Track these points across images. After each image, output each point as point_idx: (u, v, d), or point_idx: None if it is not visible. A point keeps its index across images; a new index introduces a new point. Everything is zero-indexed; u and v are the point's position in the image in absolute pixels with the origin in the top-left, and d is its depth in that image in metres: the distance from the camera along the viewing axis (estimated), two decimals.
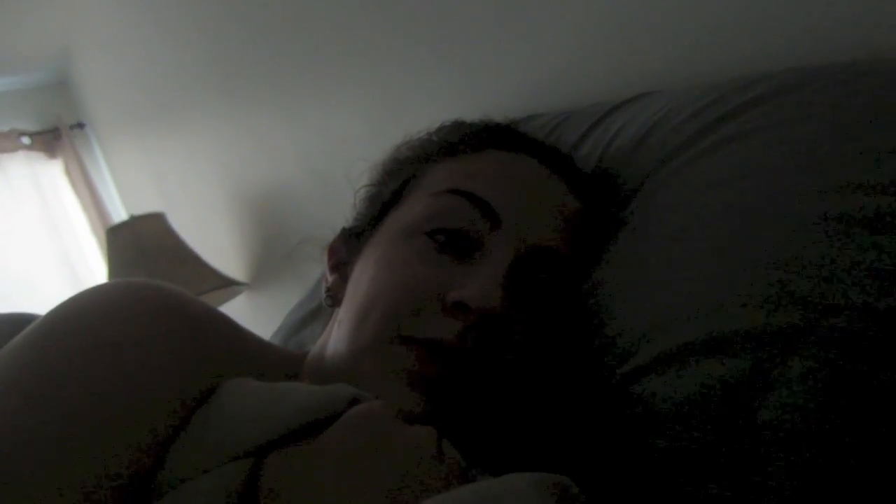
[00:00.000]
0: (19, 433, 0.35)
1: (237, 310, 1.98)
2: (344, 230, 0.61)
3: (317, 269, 0.64)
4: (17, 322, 0.50)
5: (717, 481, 0.33)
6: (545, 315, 0.48)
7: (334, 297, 0.57)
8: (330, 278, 0.59)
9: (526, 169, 0.53)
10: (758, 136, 0.44)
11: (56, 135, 3.14)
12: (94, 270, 3.03)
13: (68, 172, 3.14)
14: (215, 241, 2.05)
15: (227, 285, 1.86)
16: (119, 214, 3.08)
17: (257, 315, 1.92)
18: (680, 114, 0.52)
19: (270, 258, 1.80)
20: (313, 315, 0.88)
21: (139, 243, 1.89)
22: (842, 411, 0.31)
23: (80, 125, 3.22)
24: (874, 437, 0.30)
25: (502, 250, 0.48)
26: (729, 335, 0.36)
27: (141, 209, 2.11)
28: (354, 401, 0.41)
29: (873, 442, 0.30)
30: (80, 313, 0.41)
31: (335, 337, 0.51)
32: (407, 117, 1.05)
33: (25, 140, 3.08)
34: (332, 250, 0.60)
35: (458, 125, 0.61)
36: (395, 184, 0.57)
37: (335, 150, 1.34)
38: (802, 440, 0.31)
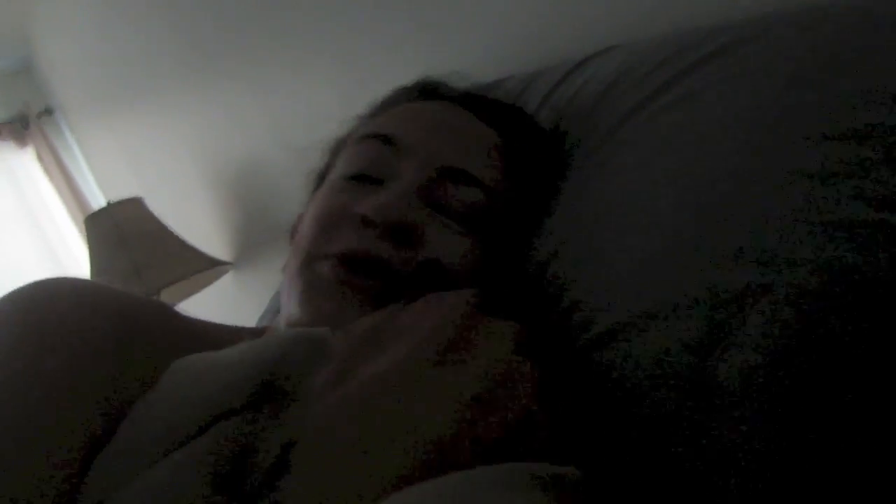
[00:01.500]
0: None
1: (225, 291, 1.97)
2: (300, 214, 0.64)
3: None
4: None
5: (683, 444, 0.33)
6: (484, 234, 0.50)
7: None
8: None
9: (431, 107, 0.56)
10: (714, 91, 0.43)
11: (24, 123, 3.07)
12: (78, 258, 3.00)
13: (41, 160, 3.09)
14: (196, 222, 2.04)
15: (211, 266, 1.85)
16: (97, 200, 3.04)
17: (245, 294, 1.92)
18: (639, 70, 0.51)
19: (253, 235, 1.79)
20: None
21: (119, 230, 1.87)
22: (800, 368, 0.31)
23: (49, 111, 3.16)
24: (832, 393, 0.30)
25: (409, 171, 0.50)
26: (686, 297, 0.36)
27: (119, 193, 2.08)
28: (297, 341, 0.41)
29: (831, 398, 0.30)
30: (6, 317, 0.40)
31: (287, 295, 0.53)
32: (378, 85, 1.04)
33: None
34: (293, 230, 0.63)
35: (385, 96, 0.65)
36: (330, 157, 0.61)
37: (308, 122, 1.32)
38: (761, 397, 0.31)
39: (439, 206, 0.50)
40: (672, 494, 0.34)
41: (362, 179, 0.51)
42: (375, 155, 0.52)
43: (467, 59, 0.89)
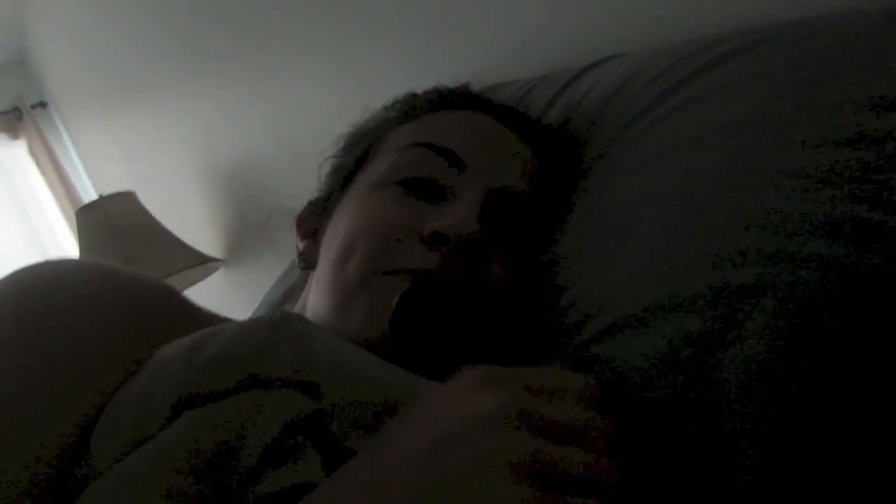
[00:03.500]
0: None
1: (215, 287, 1.96)
2: (311, 201, 0.63)
3: (293, 242, 0.64)
4: None
5: (685, 434, 0.34)
6: (517, 255, 0.50)
7: (308, 259, 0.58)
8: (301, 245, 0.60)
9: (480, 122, 0.56)
10: (716, 96, 0.44)
11: (17, 115, 3.05)
12: (65, 251, 2.98)
13: (33, 153, 3.07)
14: (188, 218, 2.03)
15: (202, 262, 1.84)
16: (88, 194, 3.02)
17: (236, 291, 1.91)
18: (643, 77, 0.52)
19: (245, 233, 1.78)
20: (294, 290, 0.88)
21: (111, 223, 1.86)
22: (800, 365, 0.31)
23: (42, 104, 3.14)
24: (832, 391, 0.31)
25: (471, 190, 0.50)
26: (689, 293, 0.36)
27: (110, 188, 2.07)
28: (284, 323, 0.39)
29: (830, 396, 0.31)
30: (12, 294, 0.40)
31: (315, 294, 0.52)
32: (375, 86, 1.04)
33: None
34: (301, 220, 0.62)
35: (411, 96, 0.64)
36: (358, 151, 0.59)
37: (304, 121, 1.32)
38: (761, 394, 0.32)
39: (489, 226, 0.49)
40: (674, 485, 0.34)
41: (419, 192, 0.50)
42: (434, 168, 0.51)
43: (467, 63, 0.89)
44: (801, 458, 0.31)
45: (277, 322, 0.40)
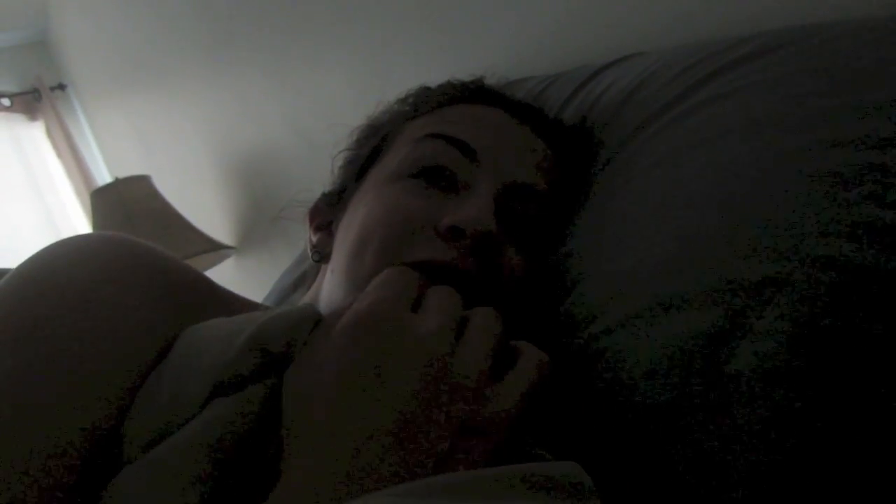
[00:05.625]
0: None
1: (225, 274, 1.98)
2: (324, 193, 0.63)
3: (305, 233, 0.64)
4: None
5: (694, 427, 0.34)
6: (531, 251, 0.50)
7: (321, 251, 0.58)
8: (314, 237, 0.60)
9: (495, 116, 0.56)
10: (741, 94, 0.44)
11: (36, 96, 3.08)
12: (78, 233, 3.00)
13: (50, 134, 3.10)
14: (202, 204, 2.04)
15: (214, 249, 1.85)
16: (103, 177, 3.04)
17: (246, 279, 1.92)
18: (666, 74, 0.52)
19: (258, 222, 1.79)
20: (303, 279, 0.89)
21: (125, 206, 1.88)
22: (813, 363, 0.32)
23: (62, 86, 3.17)
24: (844, 389, 0.31)
25: (486, 182, 0.50)
26: (701, 288, 0.36)
27: (125, 172, 2.08)
28: (314, 314, 0.40)
29: (843, 393, 0.31)
30: (50, 266, 0.41)
31: (330, 284, 0.52)
32: (394, 80, 1.04)
33: (5, 101, 3.03)
34: (314, 212, 0.62)
35: (425, 89, 0.64)
36: (372, 143, 0.59)
37: (322, 112, 1.32)
38: (772, 389, 0.32)
39: (504, 220, 0.49)
40: (681, 479, 0.34)
41: (434, 183, 0.50)
42: (449, 159, 0.51)
43: (483, 59, 0.90)
44: (811, 456, 0.31)
45: (308, 313, 0.40)
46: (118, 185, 1.95)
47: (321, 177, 0.66)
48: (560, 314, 0.45)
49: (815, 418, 0.31)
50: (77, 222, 3.07)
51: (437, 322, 0.37)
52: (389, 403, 0.33)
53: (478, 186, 0.49)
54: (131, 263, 0.42)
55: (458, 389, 0.35)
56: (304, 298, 0.59)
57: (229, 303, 0.48)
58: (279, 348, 0.38)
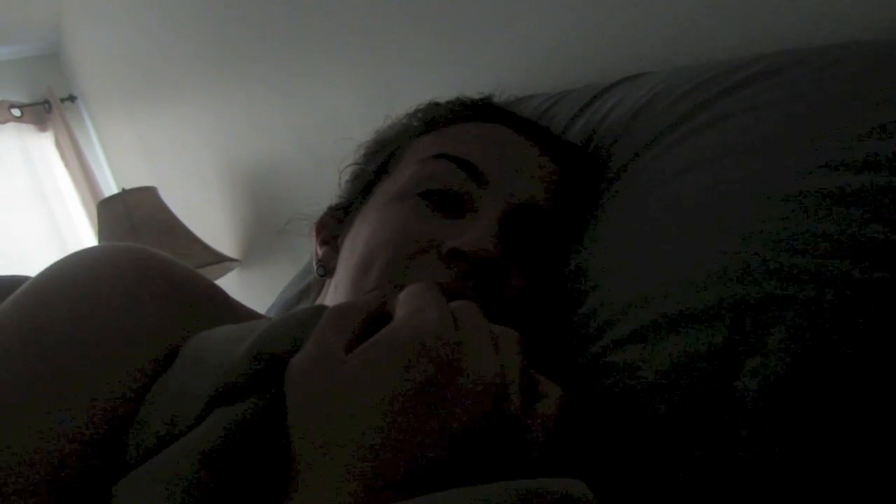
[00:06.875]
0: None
1: (229, 287, 1.98)
2: (331, 207, 0.63)
3: (309, 246, 0.64)
4: (13, 284, 0.49)
5: (700, 445, 0.34)
6: (537, 270, 0.50)
7: (326, 266, 0.58)
8: (320, 251, 0.60)
9: (503, 135, 0.56)
10: (741, 117, 0.45)
11: (47, 107, 3.11)
12: (84, 243, 3.02)
13: (59, 145, 3.12)
14: (207, 216, 2.05)
15: (218, 261, 1.86)
16: (110, 188, 3.06)
17: (249, 292, 1.92)
18: (669, 95, 0.53)
19: (262, 235, 1.80)
20: (307, 291, 0.89)
21: (130, 217, 1.89)
22: (818, 381, 0.32)
23: (72, 98, 3.20)
24: (849, 406, 0.31)
25: (492, 206, 0.50)
26: (709, 306, 0.36)
27: (132, 183, 2.10)
28: (318, 318, 0.38)
29: (848, 410, 0.31)
30: (67, 275, 0.41)
31: (333, 300, 0.52)
32: (400, 95, 1.05)
33: (16, 112, 3.06)
34: (320, 226, 0.62)
35: (433, 105, 0.64)
36: (380, 159, 0.59)
37: (328, 127, 1.33)
38: (778, 408, 0.32)
39: (509, 241, 0.49)
40: (684, 493, 0.34)
41: (439, 204, 0.50)
42: (455, 181, 0.51)
43: (490, 75, 0.90)
44: (817, 473, 0.31)
45: (310, 316, 0.39)
46: (124, 196, 1.96)
47: (327, 191, 0.66)
48: (568, 330, 0.46)
49: (821, 435, 0.31)
50: (83, 232, 3.08)
51: (488, 352, 0.34)
52: (446, 434, 0.31)
53: (483, 210, 0.50)
54: (148, 274, 0.42)
55: (508, 422, 0.32)
56: None
57: (241, 314, 0.48)
58: (286, 347, 0.37)
